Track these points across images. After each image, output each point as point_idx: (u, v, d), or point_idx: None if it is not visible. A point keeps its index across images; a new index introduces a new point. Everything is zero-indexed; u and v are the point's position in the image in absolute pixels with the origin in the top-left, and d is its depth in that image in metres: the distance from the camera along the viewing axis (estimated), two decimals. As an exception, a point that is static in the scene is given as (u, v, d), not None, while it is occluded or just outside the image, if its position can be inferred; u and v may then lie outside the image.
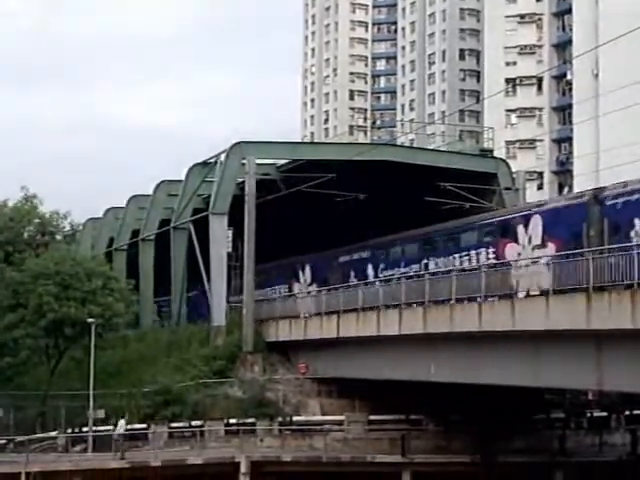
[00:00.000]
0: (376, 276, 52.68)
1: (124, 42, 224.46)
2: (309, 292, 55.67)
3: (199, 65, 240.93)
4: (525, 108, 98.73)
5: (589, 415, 48.44)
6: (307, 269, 61.12)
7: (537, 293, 32.77)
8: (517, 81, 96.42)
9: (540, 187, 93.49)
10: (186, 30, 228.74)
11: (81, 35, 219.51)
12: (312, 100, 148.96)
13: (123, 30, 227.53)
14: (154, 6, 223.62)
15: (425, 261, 49.99)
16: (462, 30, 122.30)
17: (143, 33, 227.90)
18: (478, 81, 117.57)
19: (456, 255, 47.60)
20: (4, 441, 46.22)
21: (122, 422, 44.34)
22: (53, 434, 46.52)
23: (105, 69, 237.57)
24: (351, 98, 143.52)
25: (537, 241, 41.79)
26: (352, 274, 54.87)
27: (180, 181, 60.77)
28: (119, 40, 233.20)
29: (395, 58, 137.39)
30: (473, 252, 46.38)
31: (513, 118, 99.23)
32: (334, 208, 56.45)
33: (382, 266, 53.40)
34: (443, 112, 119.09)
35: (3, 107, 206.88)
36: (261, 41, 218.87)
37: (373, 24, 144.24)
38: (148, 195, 66.65)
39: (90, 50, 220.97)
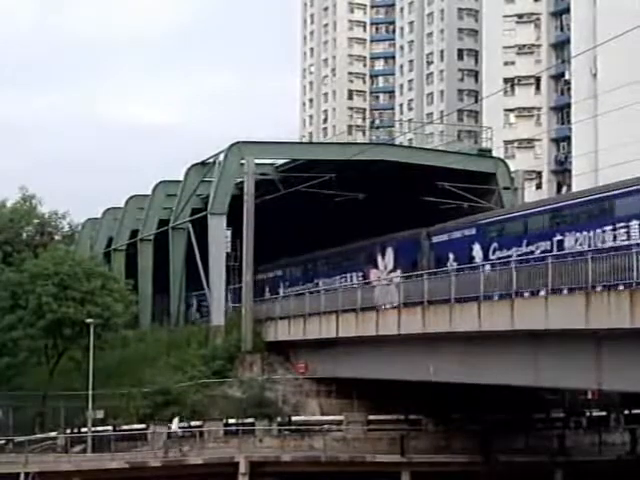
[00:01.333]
0: (486, 258, 43.85)
1: (124, 42, 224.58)
2: (390, 280, 47.97)
3: (198, 65, 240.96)
4: (523, 108, 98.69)
5: (588, 415, 48.48)
6: (389, 252, 52.48)
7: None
8: (515, 81, 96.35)
9: (539, 186, 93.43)
10: (185, 30, 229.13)
11: (81, 35, 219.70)
12: (311, 100, 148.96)
13: (123, 30, 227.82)
14: (154, 6, 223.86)
15: (558, 237, 40.11)
16: (460, 30, 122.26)
17: (143, 33, 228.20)
18: (476, 81, 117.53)
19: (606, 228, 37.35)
20: (3, 441, 46.16)
21: (176, 420, 44.55)
22: (52, 434, 46.48)
23: (105, 69, 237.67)
24: (350, 98, 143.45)
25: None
26: (451, 257, 46.89)
27: (179, 181, 60.79)
28: (119, 40, 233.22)
29: (393, 58, 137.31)
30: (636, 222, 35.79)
31: (511, 118, 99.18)
32: (333, 208, 56.43)
33: (495, 246, 44.05)
34: (441, 112, 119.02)
35: (3, 107, 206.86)
36: (260, 41, 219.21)
37: (371, 24, 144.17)
38: (147, 195, 66.67)
39: (90, 50, 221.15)
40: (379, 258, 52.70)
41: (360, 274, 54.13)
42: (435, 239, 48.89)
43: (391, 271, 51.01)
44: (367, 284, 49.96)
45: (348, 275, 55.54)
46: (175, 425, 44.72)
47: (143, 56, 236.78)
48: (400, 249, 51.30)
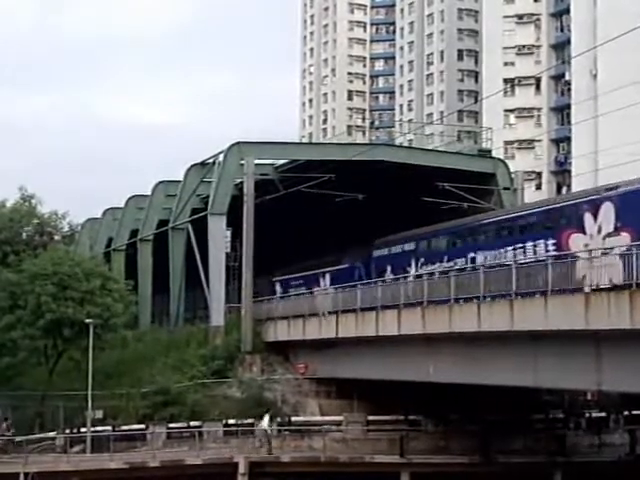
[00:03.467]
0: None
1: (124, 42, 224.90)
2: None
3: (198, 65, 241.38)
4: (523, 108, 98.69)
5: (588, 415, 48.48)
6: (606, 210, 38.71)
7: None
8: (515, 81, 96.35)
9: (538, 187, 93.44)
10: (185, 30, 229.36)
11: (81, 35, 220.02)
12: (310, 100, 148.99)
13: (123, 30, 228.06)
14: (154, 6, 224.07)
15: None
16: (460, 30, 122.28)
17: (142, 33, 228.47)
18: (476, 81, 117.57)
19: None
20: (2, 441, 46.12)
21: (266, 418, 44.33)
22: (52, 434, 46.46)
23: (105, 69, 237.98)
24: (349, 98, 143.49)
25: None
26: None
27: (178, 181, 60.79)
28: (119, 40, 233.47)
29: (393, 58, 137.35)
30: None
31: (511, 118, 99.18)
32: (333, 208, 56.43)
33: None
34: (441, 112, 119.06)
35: (3, 107, 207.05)
36: (260, 41, 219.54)
37: (371, 24, 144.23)
38: (146, 195, 66.68)
39: (90, 50, 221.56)
40: (587, 218, 39.30)
41: (551, 241, 41.21)
42: None
43: (609, 235, 37.77)
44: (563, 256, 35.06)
45: (528, 244, 42.52)
46: (266, 423, 44.26)
47: (143, 56, 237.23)
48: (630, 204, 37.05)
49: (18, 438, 45.08)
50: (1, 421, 47.20)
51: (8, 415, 47.99)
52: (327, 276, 59.47)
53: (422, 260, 50.00)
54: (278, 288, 65.86)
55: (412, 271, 49.34)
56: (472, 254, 46.00)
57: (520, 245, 42.56)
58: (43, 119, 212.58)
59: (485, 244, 45.65)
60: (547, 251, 39.95)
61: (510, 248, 43.16)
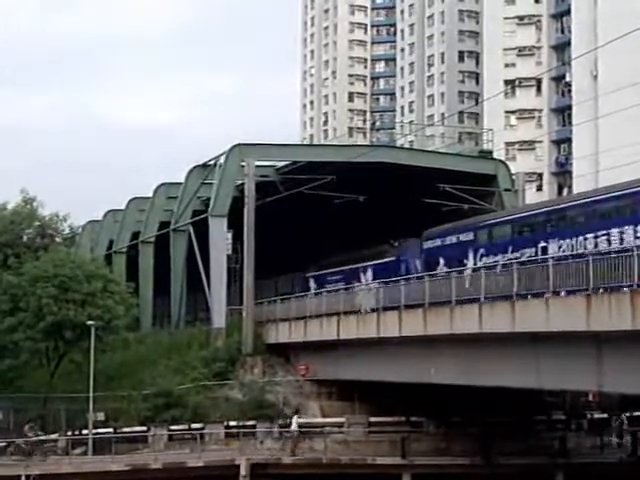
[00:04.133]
0: None
1: (124, 42, 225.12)
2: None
3: (198, 67, 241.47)
4: (524, 110, 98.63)
5: (589, 417, 48.46)
6: None
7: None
8: (516, 83, 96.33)
9: (539, 188, 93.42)
10: (185, 30, 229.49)
11: (81, 35, 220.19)
12: (311, 102, 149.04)
13: (123, 30, 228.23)
14: (154, 6, 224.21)
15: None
16: (461, 32, 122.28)
17: (143, 33, 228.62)
18: (477, 83, 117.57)
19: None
20: (4, 444, 46.13)
21: (295, 418, 44.53)
22: (53, 437, 46.48)
23: (105, 69, 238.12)
24: (350, 100, 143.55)
25: None
26: None
27: (180, 183, 60.82)
28: (119, 40, 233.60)
29: (394, 60, 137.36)
30: None
31: (512, 120, 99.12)
32: (333, 210, 56.45)
33: None
34: (442, 114, 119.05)
35: (3, 107, 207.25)
36: (260, 43, 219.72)
37: (372, 26, 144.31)
38: (148, 197, 66.72)
39: (90, 50, 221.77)
40: None
41: None
42: None
43: None
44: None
45: (614, 231, 36.81)
46: (295, 424, 44.37)
47: (143, 56, 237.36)
48: None
49: (19, 440, 45.14)
50: (25, 423, 46.91)
51: (33, 417, 47.75)
52: (369, 270, 55.40)
53: (482, 251, 44.40)
54: (312, 284, 62.28)
55: (469, 263, 44.26)
56: (543, 243, 40.41)
57: (603, 232, 36.53)
58: (43, 119, 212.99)
59: (559, 231, 39.97)
60: (637, 238, 34.24)
61: (591, 235, 37.41)
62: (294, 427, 44.39)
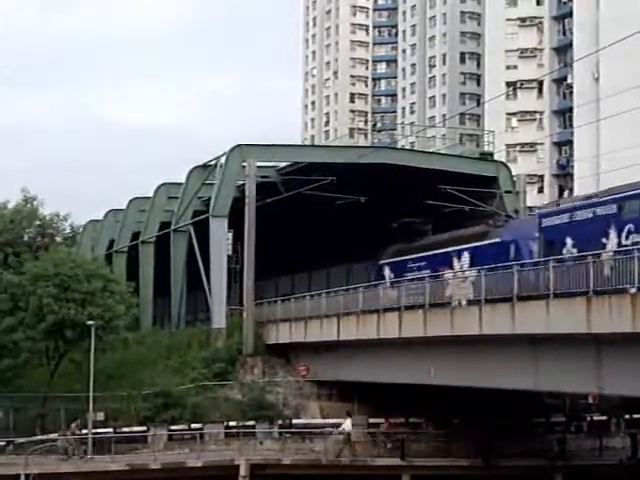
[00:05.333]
0: None
1: (124, 42, 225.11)
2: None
3: (199, 67, 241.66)
4: (526, 111, 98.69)
5: (589, 419, 48.45)
6: None
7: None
8: (518, 84, 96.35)
9: (540, 190, 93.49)
10: (185, 30, 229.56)
11: (81, 35, 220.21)
12: (313, 103, 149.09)
13: (123, 30, 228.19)
14: (154, 6, 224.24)
15: None
16: (463, 33, 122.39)
17: (143, 33, 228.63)
18: (478, 84, 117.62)
19: None
20: (4, 443, 46.07)
21: (349, 420, 44.08)
22: (53, 436, 46.46)
23: (105, 69, 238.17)
24: (352, 101, 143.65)
25: None
26: None
27: (180, 183, 60.83)
28: (119, 40, 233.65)
29: (396, 61, 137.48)
30: None
31: (514, 121, 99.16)
32: (334, 211, 56.43)
33: None
34: (444, 115, 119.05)
35: (3, 107, 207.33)
36: (262, 43, 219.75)
37: (374, 27, 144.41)
38: (148, 197, 66.73)
39: (90, 50, 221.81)
40: None
41: None
42: None
43: None
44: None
45: None
46: (348, 425, 44.16)
47: (143, 56, 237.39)
48: None
49: (19, 440, 45.11)
50: (72, 421, 46.51)
51: (77, 415, 47.49)
52: (465, 254, 46.32)
53: (630, 227, 34.53)
54: (387, 272, 52.91)
55: (610, 244, 34.47)
56: None
57: None
58: (43, 119, 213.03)
59: None
60: None
61: None
62: (347, 428, 44.03)
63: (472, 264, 43.79)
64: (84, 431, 45.43)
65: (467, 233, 48.18)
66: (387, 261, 53.70)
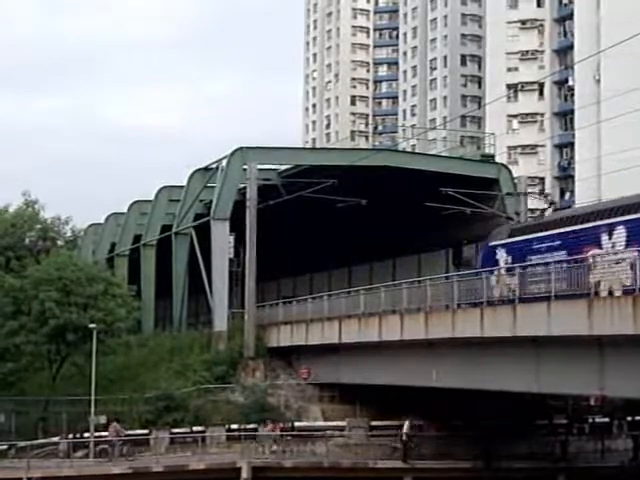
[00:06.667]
0: None
1: (125, 44, 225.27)
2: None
3: (200, 70, 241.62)
4: (527, 114, 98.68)
5: (591, 421, 48.39)
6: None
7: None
8: (519, 87, 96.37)
9: (541, 192, 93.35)
10: (186, 33, 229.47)
11: (82, 38, 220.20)
12: (314, 105, 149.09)
13: (124, 32, 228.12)
14: (155, 8, 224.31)
15: None
16: (463, 36, 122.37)
17: (144, 35, 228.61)
18: (479, 87, 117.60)
19: None
20: (6, 446, 46.06)
21: (407, 423, 43.55)
22: (55, 439, 46.46)
23: (105, 72, 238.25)
24: (353, 103, 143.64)
25: None
26: None
27: (182, 186, 60.86)
28: (120, 42, 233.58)
29: (396, 64, 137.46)
30: None
31: (515, 124, 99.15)
32: (335, 213, 56.43)
33: None
34: (444, 118, 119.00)
35: (3, 110, 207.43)
36: (262, 46, 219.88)
37: (374, 30, 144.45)
38: (150, 201, 66.73)
39: (91, 52, 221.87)
40: None
41: None
42: None
43: None
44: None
45: None
46: (407, 428, 43.67)
47: (144, 59, 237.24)
48: None
49: (21, 443, 45.10)
50: (111, 421, 45.59)
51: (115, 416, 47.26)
52: (620, 230, 33.90)
53: None
54: (503, 255, 42.06)
55: None
56: None
57: None
58: (43, 122, 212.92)
59: None
60: None
61: None
62: (406, 430, 43.66)
63: (628, 242, 33.01)
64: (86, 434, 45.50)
65: (616, 204, 35.88)
66: (501, 242, 43.04)
